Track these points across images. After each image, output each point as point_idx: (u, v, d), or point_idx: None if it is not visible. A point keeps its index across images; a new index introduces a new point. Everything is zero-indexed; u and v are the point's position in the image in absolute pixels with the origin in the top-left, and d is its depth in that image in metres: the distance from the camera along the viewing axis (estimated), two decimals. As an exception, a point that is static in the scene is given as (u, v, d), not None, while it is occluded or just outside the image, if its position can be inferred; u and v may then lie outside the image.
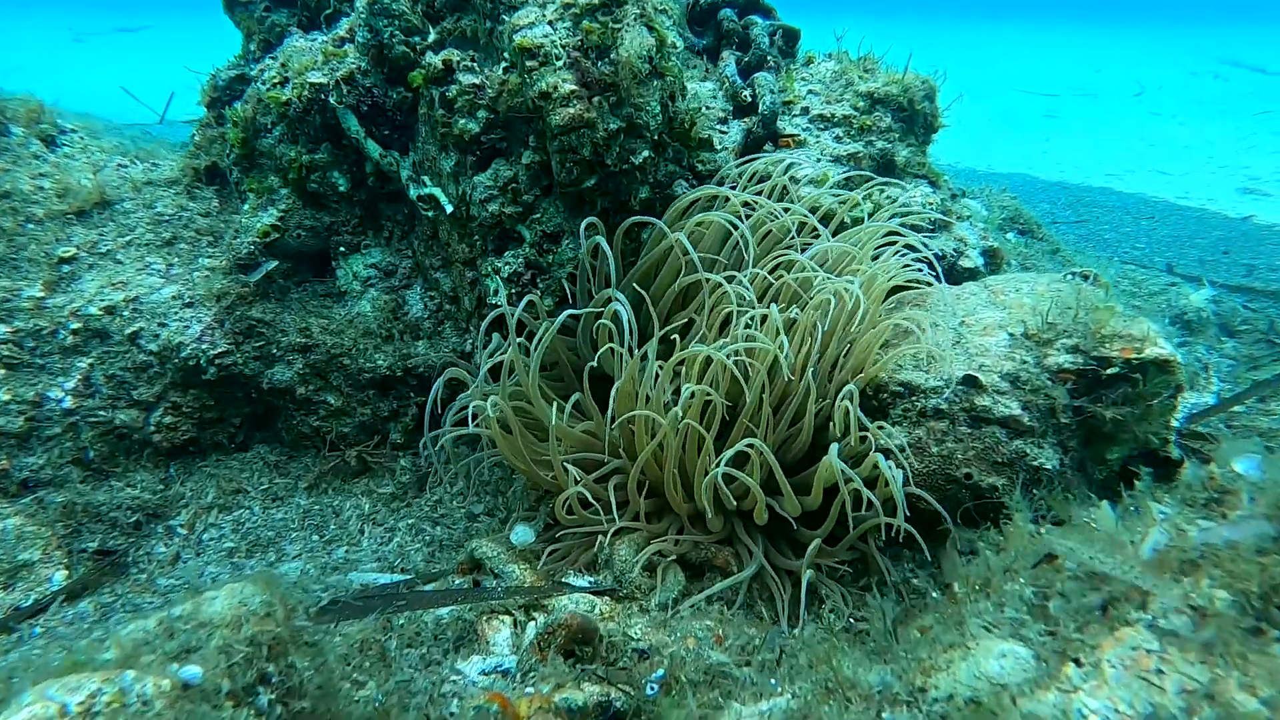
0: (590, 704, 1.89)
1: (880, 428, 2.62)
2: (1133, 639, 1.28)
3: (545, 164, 3.22)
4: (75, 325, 3.54)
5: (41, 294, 3.60)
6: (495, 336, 3.29)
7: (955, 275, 3.63)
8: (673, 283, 3.16)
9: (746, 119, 3.61)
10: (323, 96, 3.54)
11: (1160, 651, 1.24)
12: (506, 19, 3.12)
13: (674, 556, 2.66)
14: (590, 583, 2.64)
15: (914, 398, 2.68)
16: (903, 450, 2.63)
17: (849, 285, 2.75)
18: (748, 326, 2.67)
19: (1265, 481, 1.51)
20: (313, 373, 3.63)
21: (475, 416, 2.95)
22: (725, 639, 2.27)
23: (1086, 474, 2.69)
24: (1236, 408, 4.35)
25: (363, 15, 3.47)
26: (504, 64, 3.19)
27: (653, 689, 1.90)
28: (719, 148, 3.52)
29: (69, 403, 3.48)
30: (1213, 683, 1.16)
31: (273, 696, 1.64)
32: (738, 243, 3.17)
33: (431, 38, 3.45)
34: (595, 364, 2.96)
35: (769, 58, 3.80)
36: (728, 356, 2.60)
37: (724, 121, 3.65)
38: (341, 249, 3.81)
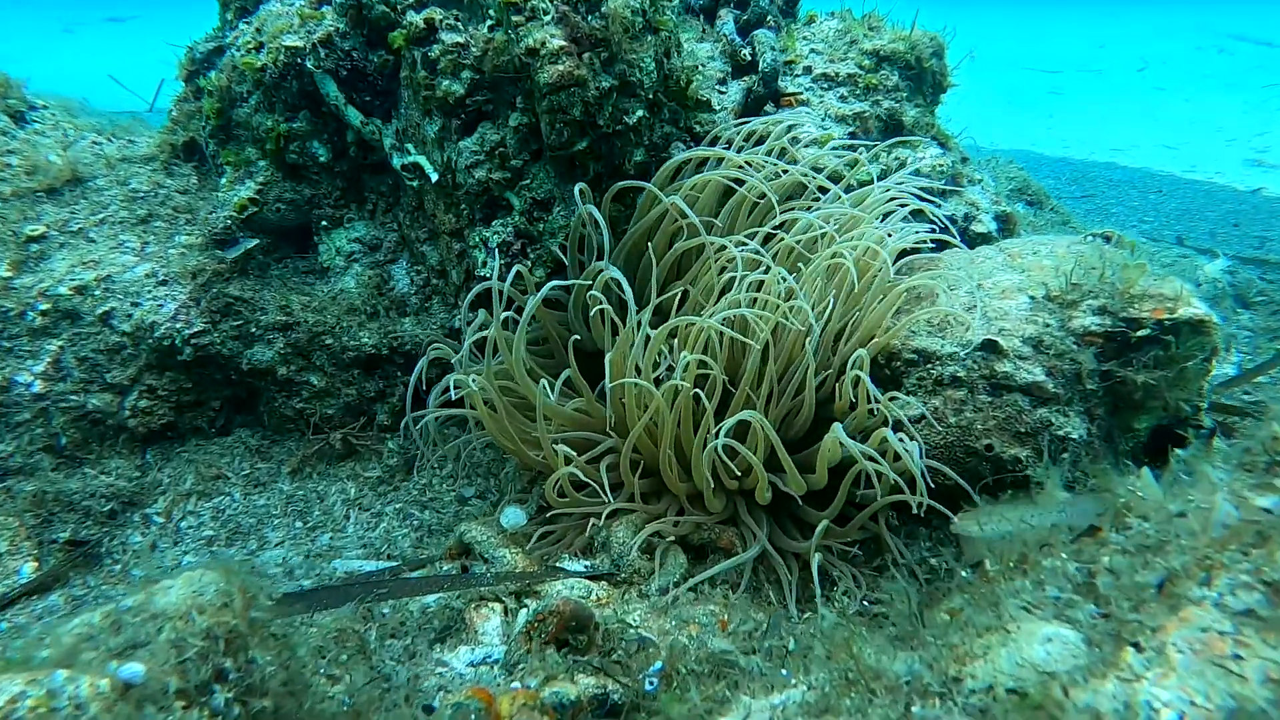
0: (584, 697, 1.73)
1: (893, 398, 2.44)
2: (1200, 619, 1.12)
3: (534, 126, 3.04)
4: (44, 306, 3.37)
5: (8, 274, 3.43)
6: (482, 312, 3.12)
7: (968, 240, 3.45)
8: (666, 250, 2.98)
9: (746, 78, 3.43)
10: (299, 61, 3.35)
11: (1235, 634, 1.07)
12: (490, -29, 2.93)
13: (674, 538, 2.50)
14: (586, 567, 2.48)
15: (929, 365, 2.50)
16: (920, 420, 2.46)
17: (853, 247, 2.57)
18: (746, 291, 2.50)
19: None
20: (294, 352, 3.46)
21: (461, 398, 2.78)
22: (730, 624, 2.10)
23: (1113, 444, 2.53)
24: (1260, 379, 4.18)
25: (339, -27, 3.28)
26: (489, 21, 3.00)
27: (652, 683, 1.74)
28: (718, 108, 3.34)
29: (38, 387, 3.31)
30: (1299, 668, 1.00)
31: (230, 695, 1.47)
32: (735, 206, 3.00)
33: (412, -4, 3.26)
34: (581, 339, 2.79)
35: (769, 16, 3.61)
36: (723, 323, 2.43)
37: (723, 82, 3.47)
38: (323, 223, 3.63)
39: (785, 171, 2.95)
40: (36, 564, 2.98)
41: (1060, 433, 2.35)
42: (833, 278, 2.66)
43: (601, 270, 2.81)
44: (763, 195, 2.94)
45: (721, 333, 2.45)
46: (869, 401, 2.40)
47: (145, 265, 3.50)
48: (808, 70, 3.52)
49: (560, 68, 2.82)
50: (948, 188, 3.51)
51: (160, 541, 3.15)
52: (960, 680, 1.22)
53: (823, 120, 3.37)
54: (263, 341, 3.44)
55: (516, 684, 1.76)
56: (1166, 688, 1.03)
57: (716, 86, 3.44)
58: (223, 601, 1.59)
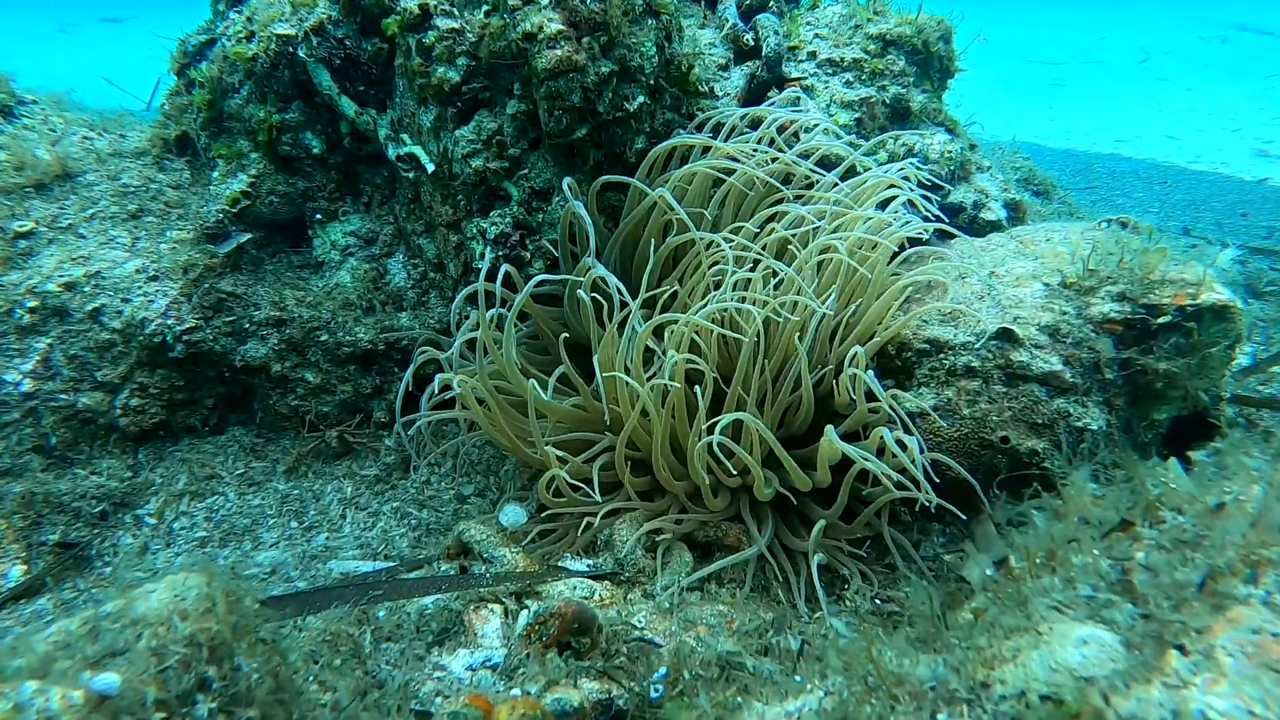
0: (588, 703, 1.65)
1: (893, 395, 2.35)
2: (1250, 620, 1.04)
3: (532, 114, 2.96)
4: (32, 303, 3.29)
5: (-4, 270, 3.35)
6: (475, 311, 3.03)
7: (977, 227, 3.37)
8: (661, 241, 2.89)
9: (749, 64, 3.34)
10: (291, 49, 3.27)
11: (1289, 635, 0.99)
12: (485, -47, 2.85)
13: (678, 536, 2.42)
14: (589, 566, 2.40)
15: (942, 355, 2.42)
16: (923, 415, 2.38)
17: (847, 239, 2.47)
18: (734, 289, 2.41)
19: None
20: (289, 348, 3.38)
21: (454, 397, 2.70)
22: (739, 625, 2.02)
23: (1133, 436, 2.45)
24: (1275, 369, 4.10)
25: (331, -42, 3.20)
26: (485, 6, 2.92)
27: (658, 689, 1.66)
28: (720, 94, 3.25)
29: (27, 385, 3.23)
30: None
31: (214, 705, 1.40)
32: (724, 197, 2.90)
33: (406, -19, 3.17)
34: (571, 335, 2.71)
35: (772, 0, 3.52)
36: (712, 319, 2.34)
37: (725, 68, 3.38)
38: (318, 216, 3.55)
39: (775, 159, 2.86)
40: (25, 567, 2.91)
41: (1079, 424, 2.27)
42: (823, 272, 2.57)
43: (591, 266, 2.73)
44: (753, 184, 2.85)
45: (710, 329, 2.37)
46: (867, 399, 2.31)
47: (136, 261, 3.42)
48: (812, 55, 3.43)
49: (558, 53, 2.74)
50: (956, 174, 3.43)
51: (152, 543, 3.08)
52: (989, 686, 1.14)
53: (828, 106, 3.28)
54: (256, 338, 3.36)
55: (517, 690, 1.68)
56: (1220, 695, 0.95)
57: (719, 72, 3.36)
58: (206, 606, 1.51)
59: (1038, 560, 1.37)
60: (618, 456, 2.41)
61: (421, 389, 2.98)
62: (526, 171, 3.03)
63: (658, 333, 2.54)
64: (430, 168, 3.15)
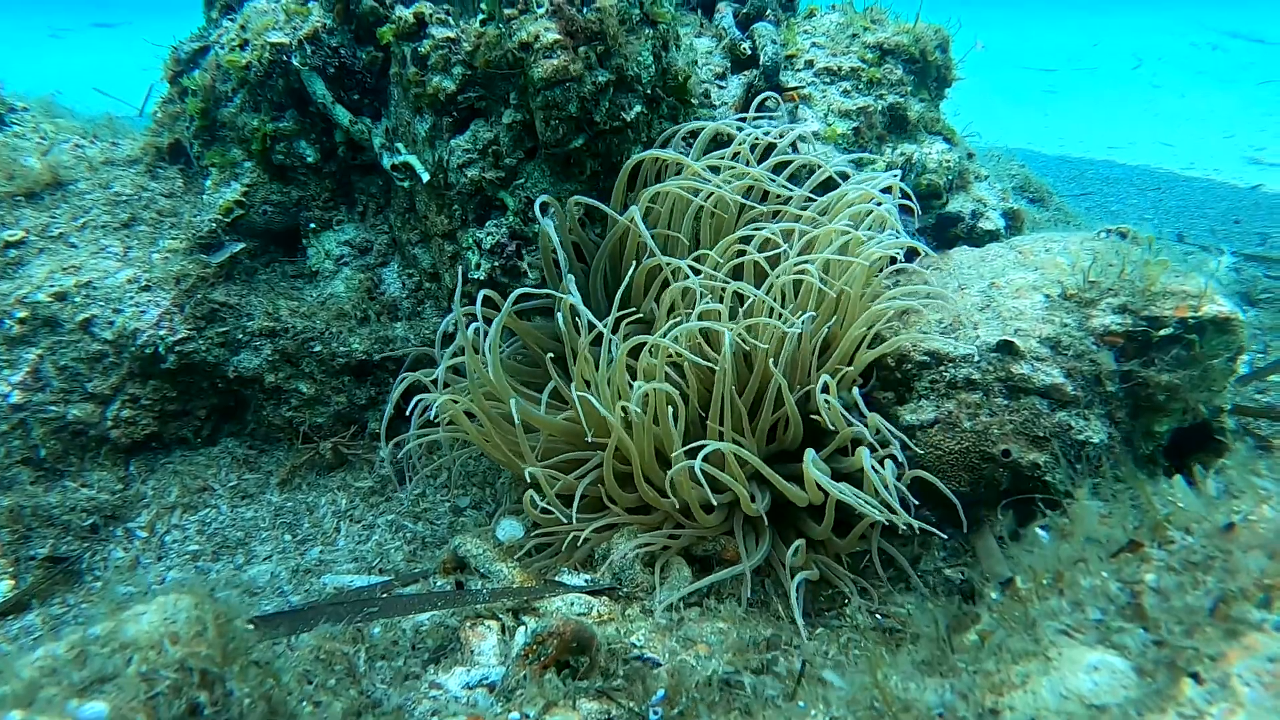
0: (587, 726, 1.63)
1: (885, 410, 2.33)
2: (1267, 647, 1.01)
3: (528, 124, 2.93)
4: (22, 314, 3.26)
5: (-15, 280, 3.31)
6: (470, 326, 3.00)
7: (976, 237, 3.36)
8: (637, 261, 2.86)
9: (746, 72, 3.33)
10: (285, 58, 3.24)
11: (1307, 664, 0.97)
12: (481, -38, 2.83)
13: (675, 550, 2.39)
14: (587, 581, 2.37)
15: (942, 367, 2.40)
16: (922, 428, 2.36)
17: (816, 259, 2.42)
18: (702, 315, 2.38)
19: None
20: (282, 359, 3.34)
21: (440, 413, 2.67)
22: (739, 643, 2.00)
23: (1133, 448, 2.43)
24: (1272, 377, 4.09)
25: (325, -33, 3.18)
26: (481, 15, 2.90)
27: (657, 712, 1.64)
28: (718, 103, 3.24)
29: (16, 397, 3.19)
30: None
31: (205, 732, 1.37)
32: (700, 212, 2.86)
33: (401, -10, 3.15)
34: (554, 355, 2.68)
35: (768, 9, 3.51)
36: (685, 344, 2.31)
37: (722, 77, 3.36)
38: (312, 225, 3.52)
39: (750, 173, 2.82)
40: (13, 582, 2.87)
41: (1080, 437, 2.25)
42: (803, 289, 2.53)
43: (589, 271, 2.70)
44: (727, 202, 2.81)
45: (680, 355, 2.34)
46: (847, 424, 2.28)
47: (128, 270, 3.39)
48: (809, 64, 3.42)
49: (555, 62, 2.71)
50: (954, 183, 3.41)
51: (143, 557, 3.04)
52: (998, 713, 1.12)
53: (826, 115, 3.27)
54: (249, 348, 3.33)
55: (515, 714, 1.65)
56: (1238, 727, 0.93)
57: (716, 81, 3.34)
58: (197, 629, 1.48)
59: (1044, 581, 1.35)
60: (606, 474, 2.39)
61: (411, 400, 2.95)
62: (523, 181, 3.00)
63: (635, 353, 2.51)
64: (425, 177, 3.12)
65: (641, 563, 2.35)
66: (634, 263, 2.83)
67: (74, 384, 3.26)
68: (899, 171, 2.88)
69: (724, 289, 2.48)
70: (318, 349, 3.35)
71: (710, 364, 2.36)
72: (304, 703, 1.76)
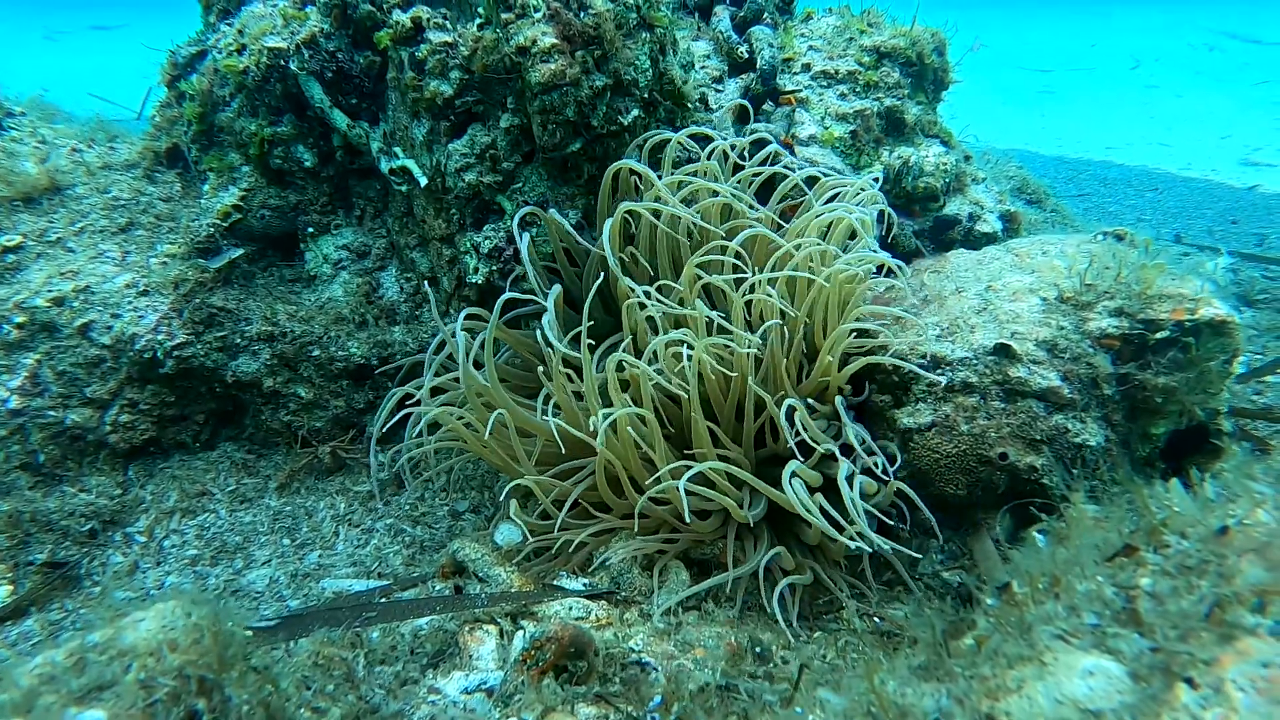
0: (585, 731, 1.63)
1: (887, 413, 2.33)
2: (1261, 652, 1.02)
3: (526, 128, 2.94)
4: (20, 319, 3.26)
5: (-17, 285, 3.31)
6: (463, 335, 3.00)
7: (973, 239, 3.37)
8: (606, 276, 2.85)
9: (744, 76, 3.33)
10: (283, 62, 3.25)
11: (1301, 669, 0.98)
12: (478, -33, 2.83)
13: (673, 554, 2.39)
14: (585, 585, 2.37)
15: (939, 370, 2.41)
16: (917, 431, 2.37)
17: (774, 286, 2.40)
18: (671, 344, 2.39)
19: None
20: (281, 363, 3.35)
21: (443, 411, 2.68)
22: (736, 647, 2.00)
23: (1130, 451, 2.43)
24: (1268, 378, 4.10)
25: (323, -29, 3.18)
26: (478, 19, 2.91)
27: (654, 718, 1.64)
28: (715, 107, 3.24)
29: (14, 403, 3.19)
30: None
31: (203, 739, 1.37)
32: (682, 228, 2.84)
33: (398, -6, 3.16)
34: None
35: (766, 12, 3.52)
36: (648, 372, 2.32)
37: (719, 80, 3.37)
38: (310, 230, 3.53)
39: (715, 192, 2.80)
40: (12, 587, 2.87)
41: (1077, 440, 2.26)
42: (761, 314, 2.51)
43: (584, 278, 2.71)
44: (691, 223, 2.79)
45: (650, 378, 2.35)
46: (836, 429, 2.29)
47: (126, 275, 3.39)
48: (806, 68, 3.43)
49: (552, 66, 2.72)
50: (952, 186, 3.42)
51: (142, 562, 3.04)
52: (994, 718, 1.12)
53: (823, 118, 3.27)
54: (248, 353, 3.33)
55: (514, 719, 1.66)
56: (1231, 733, 0.93)
57: (713, 85, 3.35)
58: (195, 636, 1.49)
59: (1040, 586, 1.36)
60: (599, 483, 2.39)
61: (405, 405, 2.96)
62: (520, 185, 3.01)
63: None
64: (423, 181, 3.13)
65: (639, 567, 2.36)
66: (603, 274, 2.82)
67: (72, 389, 3.26)
68: (877, 177, 2.87)
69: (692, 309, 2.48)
70: (316, 353, 3.35)
71: (671, 387, 2.35)
72: (302, 709, 1.76)
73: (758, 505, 2.36)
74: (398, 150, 3.24)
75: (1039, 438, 2.26)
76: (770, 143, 2.89)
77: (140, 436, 3.34)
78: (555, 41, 2.72)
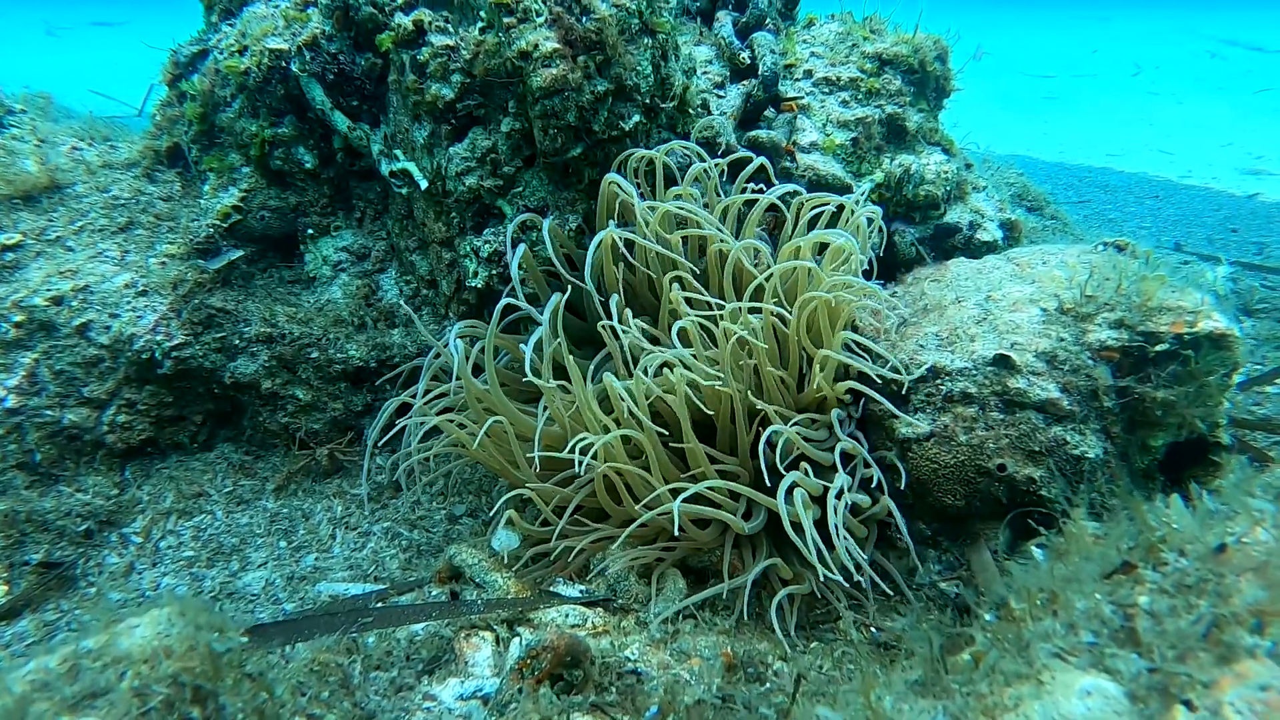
0: (581, 741, 1.63)
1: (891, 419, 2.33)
2: (1259, 675, 1.02)
3: (527, 132, 2.94)
4: (18, 317, 3.25)
5: (-19, 284, 3.31)
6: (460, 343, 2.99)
7: (973, 248, 3.36)
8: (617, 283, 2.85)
9: (745, 82, 3.33)
10: (284, 64, 3.24)
11: (1299, 693, 0.97)
12: (480, -29, 2.83)
13: (671, 562, 2.39)
14: (582, 592, 2.37)
15: (938, 380, 2.41)
16: (916, 441, 2.37)
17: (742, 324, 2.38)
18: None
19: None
20: (279, 365, 3.34)
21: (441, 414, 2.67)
22: (735, 657, 2.00)
23: (1129, 463, 2.43)
24: (1268, 388, 4.10)
25: (325, -27, 3.18)
26: (480, 23, 2.90)
27: (653, 731, 1.64)
28: (716, 112, 3.24)
29: (12, 401, 3.19)
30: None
31: (197, 748, 1.36)
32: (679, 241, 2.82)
33: (401, -3, 3.15)
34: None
35: (768, 18, 3.52)
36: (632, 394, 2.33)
37: (721, 86, 3.37)
38: (309, 231, 3.52)
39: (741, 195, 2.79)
40: (7, 588, 2.86)
41: (1076, 452, 2.25)
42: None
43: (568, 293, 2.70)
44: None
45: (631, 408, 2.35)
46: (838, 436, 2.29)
47: (125, 275, 3.38)
48: (808, 74, 3.43)
49: (553, 71, 2.71)
50: (952, 194, 3.42)
51: (138, 563, 3.03)
52: (991, 737, 1.12)
53: (824, 125, 3.27)
54: (246, 354, 3.33)
55: (508, 732, 1.65)
56: (1229, 757, 0.93)
57: (715, 90, 3.35)
58: (190, 643, 1.48)
59: (1038, 602, 1.35)
60: (598, 491, 2.39)
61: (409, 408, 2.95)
62: (521, 190, 3.01)
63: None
64: (423, 184, 3.12)
65: (637, 574, 2.35)
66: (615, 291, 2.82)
67: (70, 388, 3.25)
68: (864, 190, 2.85)
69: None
70: (315, 355, 3.34)
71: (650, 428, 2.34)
72: (297, 716, 1.76)
73: (757, 516, 2.35)
74: (398, 153, 3.24)
75: (1038, 449, 2.26)
76: (762, 156, 2.88)
77: (137, 437, 3.34)
78: (557, 46, 2.72)
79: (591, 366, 2.87)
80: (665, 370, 2.38)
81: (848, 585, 2.33)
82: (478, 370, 2.74)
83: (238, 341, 3.32)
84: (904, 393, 2.45)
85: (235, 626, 1.68)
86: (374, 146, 3.30)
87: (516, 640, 2.13)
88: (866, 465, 2.40)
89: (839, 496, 2.20)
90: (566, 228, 3.01)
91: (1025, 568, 1.50)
